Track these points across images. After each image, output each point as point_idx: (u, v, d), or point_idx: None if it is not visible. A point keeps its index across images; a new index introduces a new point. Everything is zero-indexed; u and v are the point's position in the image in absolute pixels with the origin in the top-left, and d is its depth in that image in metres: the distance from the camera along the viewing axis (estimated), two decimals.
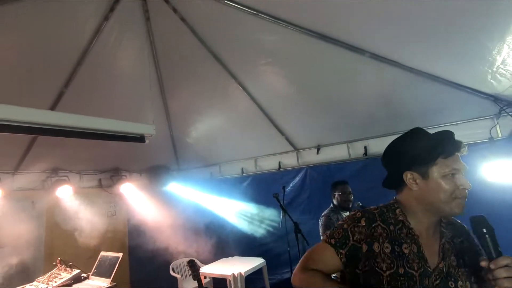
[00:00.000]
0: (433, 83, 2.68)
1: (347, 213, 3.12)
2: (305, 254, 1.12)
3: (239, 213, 4.62)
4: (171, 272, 4.32)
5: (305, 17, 2.40)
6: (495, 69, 2.24)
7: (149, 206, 4.79)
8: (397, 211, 1.06)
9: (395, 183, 1.09)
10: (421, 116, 3.29)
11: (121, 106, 3.40)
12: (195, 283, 2.97)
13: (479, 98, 2.79)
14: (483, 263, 0.89)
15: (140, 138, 2.05)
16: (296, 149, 4.32)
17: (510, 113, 2.86)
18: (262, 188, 4.49)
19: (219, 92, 3.58)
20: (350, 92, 3.17)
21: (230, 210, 4.70)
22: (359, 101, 3.24)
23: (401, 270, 0.96)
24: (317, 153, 4.14)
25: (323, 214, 3.07)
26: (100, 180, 4.76)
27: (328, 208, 3.10)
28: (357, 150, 3.87)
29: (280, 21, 2.45)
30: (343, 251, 1.03)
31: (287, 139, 4.15)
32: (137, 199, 4.80)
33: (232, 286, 3.32)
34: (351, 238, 1.03)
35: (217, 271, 3.67)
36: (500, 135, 3.04)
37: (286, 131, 4.05)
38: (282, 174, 4.42)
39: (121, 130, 1.90)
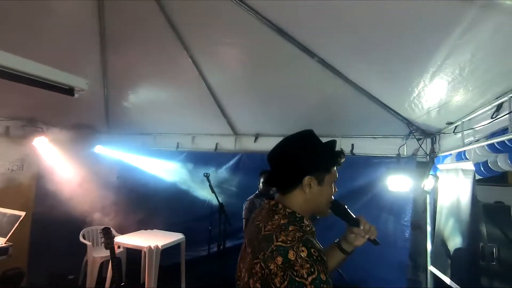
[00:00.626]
0: (365, 98, 3.02)
1: None
2: None
3: (167, 187, 4.54)
4: (81, 239, 4.05)
5: (269, 8, 2.43)
6: (411, 99, 2.63)
7: (66, 166, 4.34)
8: (305, 220, 1.05)
9: (287, 183, 1.08)
10: (349, 124, 3.69)
11: (53, 51, 2.97)
12: (107, 252, 2.87)
13: (397, 119, 3.25)
14: (356, 229, 1.15)
15: (69, 91, 1.85)
16: (235, 133, 4.40)
17: (416, 137, 3.41)
18: (195, 166, 4.48)
19: (168, 60, 3.40)
20: (295, 89, 3.34)
21: (158, 183, 4.58)
22: (301, 100, 3.46)
23: None
24: (255, 141, 4.29)
25: (248, 199, 3.24)
26: (8, 128, 4.12)
27: (254, 194, 3.28)
28: None
29: (244, 6, 2.44)
30: None
31: (228, 123, 4.19)
32: (52, 157, 4.31)
33: (147, 258, 3.29)
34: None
35: (133, 242, 3.58)
36: (405, 153, 3.60)
37: (229, 115, 4.09)
38: (217, 155, 4.47)
39: (47, 77, 1.68)
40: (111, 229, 2.54)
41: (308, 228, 1.05)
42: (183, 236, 3.93)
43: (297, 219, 1.04)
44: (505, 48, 1.58)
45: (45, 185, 4.15)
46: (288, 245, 0.89)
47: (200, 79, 3.49)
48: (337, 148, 1.13)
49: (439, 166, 3.11)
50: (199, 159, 4.51)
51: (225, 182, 4.37)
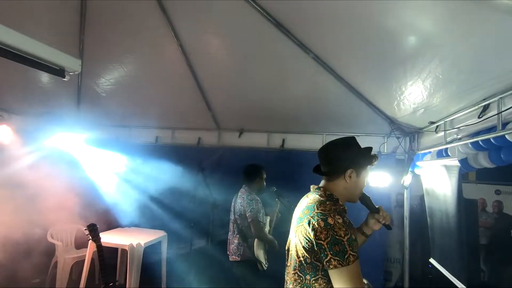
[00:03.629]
0: (354, 96, 3.11)
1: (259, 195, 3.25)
2: (351, 282, 1.13)
3: (145, 182, 4.31)
4: (49, 238, 3.70)
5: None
6: (400, 98, 2.76)
7: (30, 158, 3.94)
8: (340, 201, 1.36)
9: (333, 173, 1.39)
10: (335, 122, 3.79)
11: (32, 26, 2.67)
12: (79, 252, 2.65)
13: (381, 118, 3.39)
14: (377, 215, 1.48)
15: (60, 72, 1.65)
16: (219, 128, 4.31)
17: (396, 135, 3.60)
18: (176, 161, 4.31)
19: (153, 48, 3.22)
20: (283, 86, 3.34)
21: (135, 178, 4.33)
22: (288, 96, 3.46)
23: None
24: (239, 136, 4.23)
25: (251, 198, 2.98)
26: None
27: (246, 190, 3.12)
28: (275, 141, 4.15)
29: None
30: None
31: (213, 116, 4.09)
32: (14, 147, 3.88)
33: (129, 257, 3.09)
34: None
35: (113, 240, 3.34)
36: (385, 151, 3.79)
37: (214, 108, 3.99)
38: (200, 150, 4.34)
39: (37, 53, 1.49)
40: (97, 225, 2.33)
41: (341, 207, 1.35)
42: (165, 234, 3.77)
43: (334, 199, 1.35)
44: (492, 53, 1.70)
45: (4, 179, 3.72)
46: (326, 213, 1.22)
47: (188, 70, 3.35)
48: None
49: (418, 163, 3.31)
50: (179, 153, 4.33)
51: (207, 177, 4.26)
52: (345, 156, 1.38)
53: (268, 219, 3.14)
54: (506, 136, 1.82)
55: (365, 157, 1.42)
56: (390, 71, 2.50)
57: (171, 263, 3.88)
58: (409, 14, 1.88)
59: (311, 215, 1.23)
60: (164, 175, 4.18)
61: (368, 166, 1.44)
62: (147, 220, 4.26)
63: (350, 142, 1.43)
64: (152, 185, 4.25)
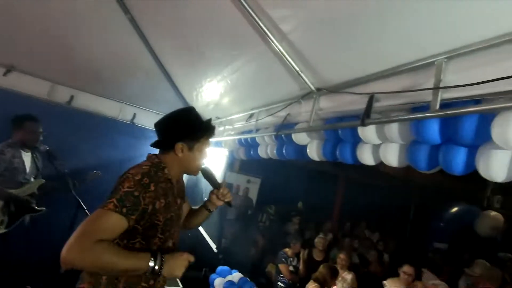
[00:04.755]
0: (161, 74, 3.22)
1: (29, 153, 2.70)
2: (85, 227, 1.03)
3: None
4: None
5: None
6: (199, 89, 3.13)
7: None
8: (165, 170, 1.29)
9: (165, 146, 1.34)
10: (138, 94, 3.70)
11: None
12: None
13: (182, 103, 3.68)
14: (217, 192, 1.51)
15: None
16: None
17: None
18: None
19: None
20: (90, 38, 2.88)
21: None
22: (93, 52, 3.03)
23: (169, 216, 1.28)
24: (5, 74, 3.19)
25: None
26: None
27: (4, 142, 2.48)
28: (61, 95, 3.49)
29: None
30: (133, 217, 1.11)
31: None
32: None
33: None
34: (142, 203, 1.13)
35: None
36: None
37: None
38: None
39: None
40: None
41: (164, 177, 1.28)
42: None
43: (160, 167, 1.29)
44: (265, 74, 2.31)
45: None
46: (133, 169, 1.19)
47: None
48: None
49: None
50: None
51: None
52: (174, 129, 1.33)
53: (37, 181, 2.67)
54: (256, 138, 2.55)
55: (198, 130, 1.35)
56: (198, 63, 2.79)
57: None
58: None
59: (121, 176, 1.19)
60: None
61: (205, 140, 1.37)
62: None
63: (182, 115, 1.38)
64: None
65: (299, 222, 6.07)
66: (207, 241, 3.85)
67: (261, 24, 1.68)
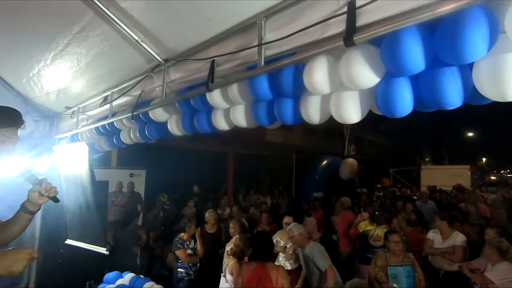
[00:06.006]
0: None
1: None
2: None
3: None
4: None
5: None
6: (30, 75, 2.53)
7: None
8: None
9: None
10: None
11: None
12: None
13: (13, 95, 2.92)
14: (38, 188, 1.34)
15: None
16: None
17: (33, 117, 3.28)
18: None
19: None
20: None
21: None
22: None
23: None
24: None
25: None
26: None
27: None
28: None
29: None
30: None
31: None
32: None
33: None
34: None
35: None
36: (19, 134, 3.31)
37: None
38: None
39: None
40: None
41: None
42: None
43: None
44: (109, 52, 2.07)
45: None
46: None
47: None
48: None
49: (54, 147, 3.23)
50: None
51: None
52: None
53: None
54: (114, 123, 2.27)
55: None
56: (21, 43, 2.21)
57: None
58: None
59: None
60: None
61: (4, 128, 1.27)
62: None
63: None
64: None
65: (194, 204, 6.03)
66: (90, 252, 3.25)
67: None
